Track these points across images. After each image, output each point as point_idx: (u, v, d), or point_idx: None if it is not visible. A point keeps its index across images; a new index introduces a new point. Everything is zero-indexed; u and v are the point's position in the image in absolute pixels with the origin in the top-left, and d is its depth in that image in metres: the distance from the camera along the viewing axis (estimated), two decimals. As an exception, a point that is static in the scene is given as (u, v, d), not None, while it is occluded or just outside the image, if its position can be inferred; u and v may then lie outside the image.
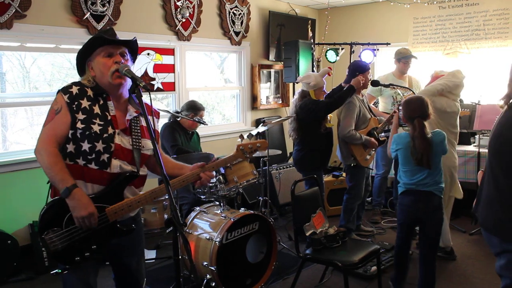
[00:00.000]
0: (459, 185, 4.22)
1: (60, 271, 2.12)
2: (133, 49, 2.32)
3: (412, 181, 3.26)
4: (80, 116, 2.11)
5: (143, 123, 2.29)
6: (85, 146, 2.11)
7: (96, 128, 2.12)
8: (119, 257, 2.34)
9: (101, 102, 2.19)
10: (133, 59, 2.33)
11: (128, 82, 2.21)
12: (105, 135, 2.14)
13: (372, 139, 4.42)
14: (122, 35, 2.30)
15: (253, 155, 2.48)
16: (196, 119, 4.34)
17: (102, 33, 2.25)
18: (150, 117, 2.20)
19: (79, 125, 2.10)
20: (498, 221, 2.12)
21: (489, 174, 2.17)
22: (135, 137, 2.24)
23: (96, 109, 2.16)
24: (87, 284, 2.23)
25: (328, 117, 4.50)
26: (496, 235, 2.13)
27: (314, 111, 4.32)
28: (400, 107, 3.52)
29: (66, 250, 2.08)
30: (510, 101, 2.12)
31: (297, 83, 5.99)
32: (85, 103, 2.14)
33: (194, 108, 4.51)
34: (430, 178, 3.22)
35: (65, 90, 2.14)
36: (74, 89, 2.14)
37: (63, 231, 2.07)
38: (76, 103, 2.12)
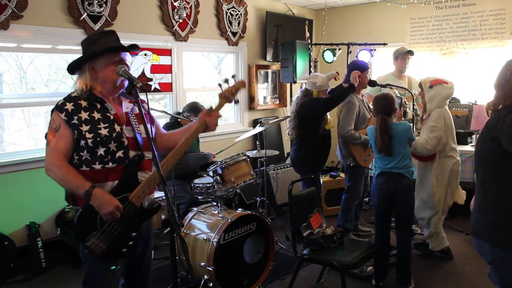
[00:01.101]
0: (461, 190, 4.24)
1: (114, 267, 2.21)
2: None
3: (385, 166, 3.60)
4: (85, 127, 2.16)
5: (136, 111, 2.36)
6: (101, 151, 2.18)
7: (104, 132, 2.19)
8: (132, 251, 2.35)
9: (99, 106, 2.24)
10: None
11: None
12: (114, 134, 2.20)
13: None
14: (118, 35, 2.32)
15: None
16: (193, 120, 4.33)
17: (108, 36, 2.27)
18: (144, 104, 2.25)
19: (87, 135, 2.16)
20: (488, 225, 2.13)
21: (477, 179, 2.20)
22: (134, 124, 2.32)
23: (97, 115, 2.21)
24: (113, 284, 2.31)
25: (328, 119, 4.50)
26: (487, 241, 2.14)
27: (314, 108, 4.33)
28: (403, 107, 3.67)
29: (111, 247, 2.16)
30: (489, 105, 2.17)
31: (294, 82, 6.01)
32: (84, 115, 2.18)
33: (195, 110, 4.52)
34: (399, 163, 3.55)
35: (60, 108, 2.18)
36: (69, 106, 2.18)
37: (100, 232, 2.14)
38: (76, 117, 2.16)
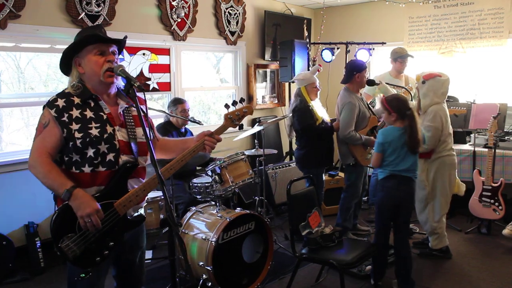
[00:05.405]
0: (460, 181, 4.24)
1: (84, 275, 2.09)
2: (121, 47, 2.29)
3: (399, 168, 3.47)
4: (75, 126, 2.08)
5: (134, 113, 2.27)
6: (90, 152, 2.09)
7: (94, 132, 2.10)
8: (123, 253, 2.31)
9: (92, 104, 2.16)
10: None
11: (118, 79, 2.20)
12: (105, 135, 2.12)
13: (372, 138, 4.37)
14: (117, 35, 2.31)
15: (240, 122, 2.44)
16: (191, 119, 4.34)
17: (92, 29, 2.21)
18: (143, 106, 2.19)
19: (77, 135, 2.07)
20: None
21: None
22: (129, 127, 2.23)
23: (89, 113, 2.13)
24: (98, 286, 2.22)
25: (317, 117, 4.50)
26: None
27: (298, 118, 4.46)
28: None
29: (85, 253, 2.07)
30: None
31: (293, 82, 6.00)
32: (75, 113, 2.11)
33: (177, 102, 4.53)
34: (413, 166, 3.49)
35: (50, 104, 2.11)
36: (60, 102, 2.11)
37: (78, 235, 2.05)
38: (66, 115, 2.09)
